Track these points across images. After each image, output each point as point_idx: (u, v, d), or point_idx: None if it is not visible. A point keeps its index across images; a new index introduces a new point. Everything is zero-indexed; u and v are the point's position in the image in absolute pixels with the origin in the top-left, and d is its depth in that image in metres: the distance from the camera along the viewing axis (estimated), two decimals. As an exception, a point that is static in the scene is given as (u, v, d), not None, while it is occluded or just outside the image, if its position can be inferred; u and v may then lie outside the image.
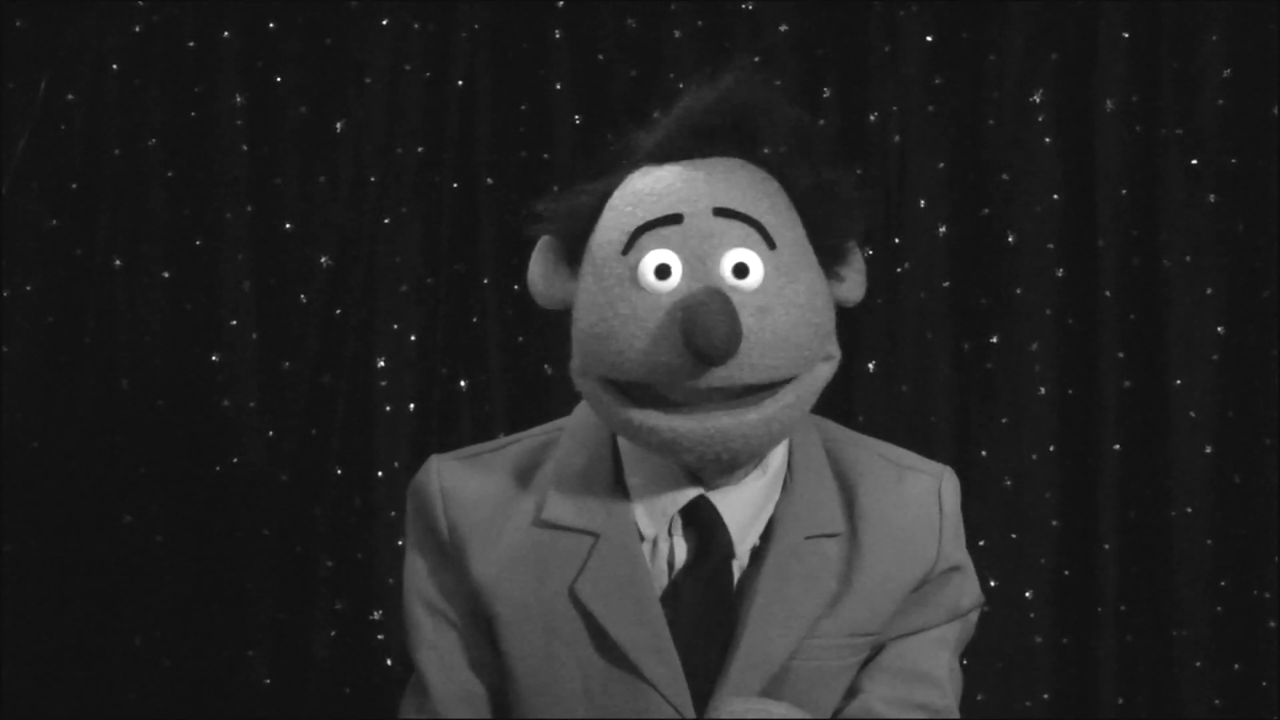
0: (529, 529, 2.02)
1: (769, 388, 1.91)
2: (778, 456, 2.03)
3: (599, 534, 2.01)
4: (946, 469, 2.10)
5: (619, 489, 2.02)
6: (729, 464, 1.97)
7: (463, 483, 2.05)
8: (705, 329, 1.83)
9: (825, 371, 1.97)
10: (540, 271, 2.01)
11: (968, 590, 2.09)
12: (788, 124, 1.99)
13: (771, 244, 1.92)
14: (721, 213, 1.92)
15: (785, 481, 2.04)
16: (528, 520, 2.03)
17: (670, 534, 2.01)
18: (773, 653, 1.99)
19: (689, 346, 1.84)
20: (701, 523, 2.00)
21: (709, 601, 2.00)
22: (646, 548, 2.01)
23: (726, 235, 1.91)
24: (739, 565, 2.02)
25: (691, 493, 2.00)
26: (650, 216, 1.93)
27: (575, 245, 1.99)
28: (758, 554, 2.02)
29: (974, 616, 2.12)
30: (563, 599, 2.00)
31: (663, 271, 1.90)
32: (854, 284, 2.01)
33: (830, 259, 1.99)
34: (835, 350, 1.99)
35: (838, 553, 2.02)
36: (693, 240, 1.91)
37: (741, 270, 1.90)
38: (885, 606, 2.03)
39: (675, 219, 1.92)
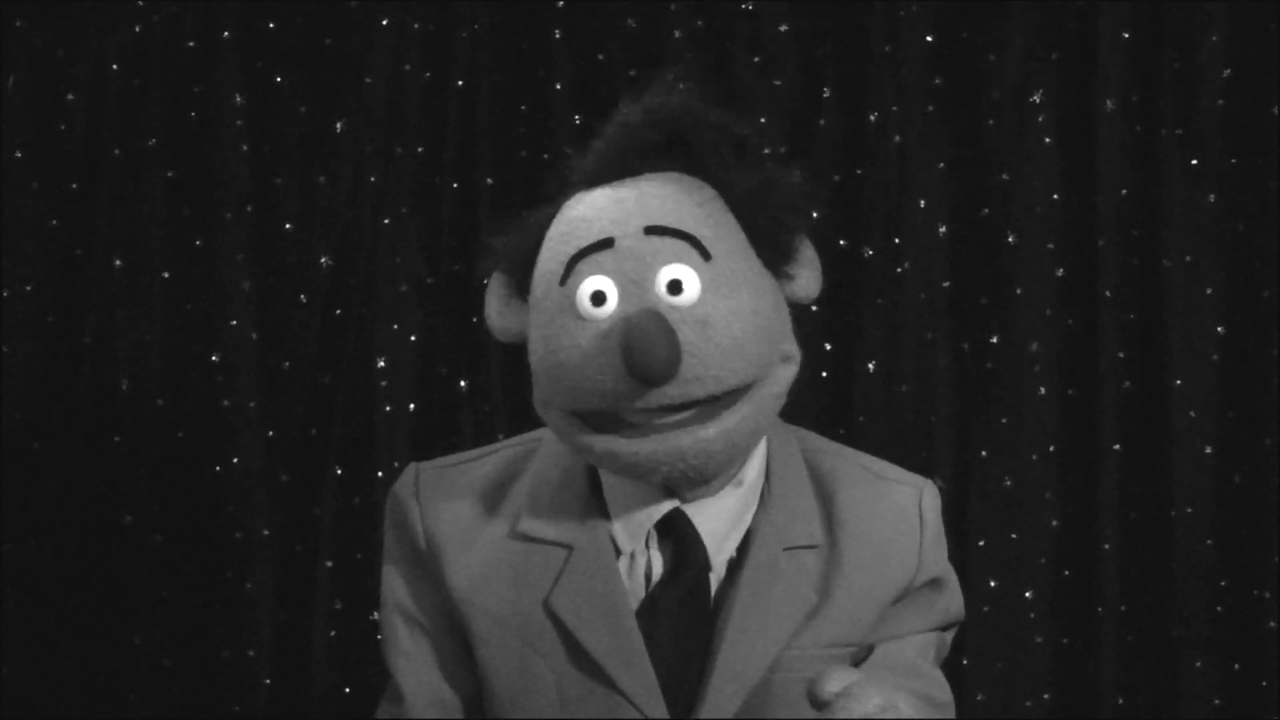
0: (505, 541, 2.02)
1: (726, 396, 1.90)
2: (754, 468, 2.02)
3: (573, 546, 2.00)
4: (927, 481, 2.09)
5: (595, 502, 2.02)
6: (697, 479, 1.97)
7: (441, 493, 2.05)
8: (643, 352, 1.83)
9: (785, 374, 1.96)
10: (495, 307, 2.03)
11: (947, 605, 2.09)
12: (719, 130, 1.97)
13: (706, 255, 1.91)
14: (653, 230, 1.91)
15: (763, 493, 2.03)
16: (504, 532, 2.03)
17: (647, 547, 2.01)
18: (751, 666, 1.98)
19: (630, 371, 1.85)
20: (677, 536, 2.00)
21: (686, 615, 1.99)
22: (624, 562, 2.01)
23: (659, 254, 1.90)
24: (716, 578, 2.01)
25: (667, 506, 2.00)
26: (583, 244, 1.92)
27: (524, 278, 2.00)
28: (735, 566, 2.01)
29: (949, 636, 2.12)
30: (538, 611, 2.00)
31: (598, 298, 1.90)
32: (807, 280, 1.99)
33: (778, 259, 1.97)
34: (794, 350, 1.98)
35: (816, 564, 2.01)
36: (625, 263, 1.90)
37: (676, 287, 1.89)
38: (865, 618, 2.02)
39: (607, 243, 1.91)
